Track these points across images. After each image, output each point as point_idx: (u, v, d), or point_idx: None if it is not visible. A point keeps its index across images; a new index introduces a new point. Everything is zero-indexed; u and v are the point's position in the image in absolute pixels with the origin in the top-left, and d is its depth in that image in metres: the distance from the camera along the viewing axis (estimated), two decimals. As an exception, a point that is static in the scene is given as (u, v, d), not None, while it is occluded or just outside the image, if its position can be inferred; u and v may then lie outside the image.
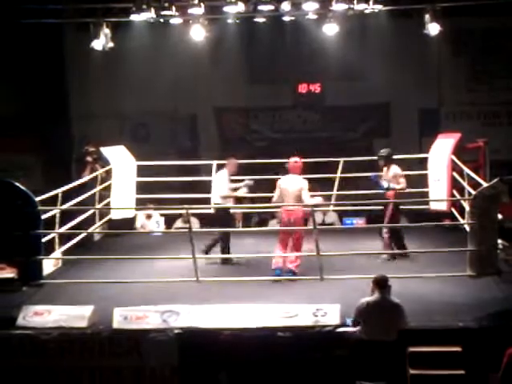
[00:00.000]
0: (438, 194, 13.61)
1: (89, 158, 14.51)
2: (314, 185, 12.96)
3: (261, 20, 14.70)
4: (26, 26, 15.02)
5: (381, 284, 8.79)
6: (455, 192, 13.40)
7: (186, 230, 11.27)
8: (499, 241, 10.47)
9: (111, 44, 14.59)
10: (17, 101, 17.68)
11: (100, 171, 14.12)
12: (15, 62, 17.23)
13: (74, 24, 16.02)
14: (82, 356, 9.18)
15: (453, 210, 13.40)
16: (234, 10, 13.96)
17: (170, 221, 15.23)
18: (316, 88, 18.12)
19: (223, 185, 12.46)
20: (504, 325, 8.83)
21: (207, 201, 13.96)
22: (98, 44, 14.52)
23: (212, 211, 12.79)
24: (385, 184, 12.01)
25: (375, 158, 13.12)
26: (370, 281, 8.93)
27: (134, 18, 14.17)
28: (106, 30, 14.53)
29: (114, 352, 9.16)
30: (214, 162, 14.35)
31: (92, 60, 15.61)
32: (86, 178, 13.93)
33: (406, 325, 8.79)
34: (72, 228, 12.52)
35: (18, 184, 10.48)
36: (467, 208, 11.48)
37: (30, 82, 17.41)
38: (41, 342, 9.21)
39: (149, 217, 15.20)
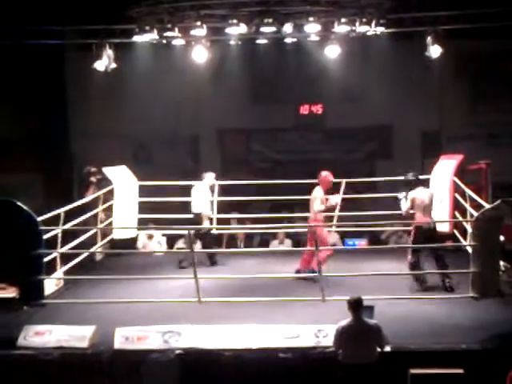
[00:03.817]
0: (441, 216, 13.59)
1: (92, 179, 14.53)
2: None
3: (263, 41, 14.76)
4: (28, 47, 15.06)
5: (354, 306, 8.72)
6: (457, 214, 13.39)
7: (188, 251, 11.27)
8: (501, 263, 10.46)
9: (114, 65, 14.63)
10: (18, 121, 17.72)
11: (102, 191, 14.13)
12: (16, 82, 17.29)
13: (76, 45, 16.07)
14: (82, 376, 9.14)
15: (455, 231, 13.39)
16: (236, 31, 13.97)
17: (171, 241, 15.22)
18: (318, 109, 18.16)
19: (205, 196, 13.43)
20: (506, 347, 8.79)
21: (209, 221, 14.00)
22: (100, 65, 14.55)
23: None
24: (403, 207, 11.78)
25: (376, 179, 13.15)
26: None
27: (136, 39, 14.21)
28: (109, 51, 14.56)
29: (114, 373, 9.12)
30: (216, 183, 14.35)
31: (94, 80, 15.62)
32: (88, 198, 13.93)
33: (385, 346, 8.71)
34: (74, 248, 12.51)
35: (20, 203, 10.48)
36: (469, 230, 11.49)
37: (32, 103, 17.46)
38: (41, 363, 9.18)
39: (150, 237, 15.19)
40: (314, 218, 12.12)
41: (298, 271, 12.18)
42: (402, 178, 12.20)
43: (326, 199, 12.16)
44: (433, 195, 11.75)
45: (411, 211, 11.64)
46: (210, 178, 13.78)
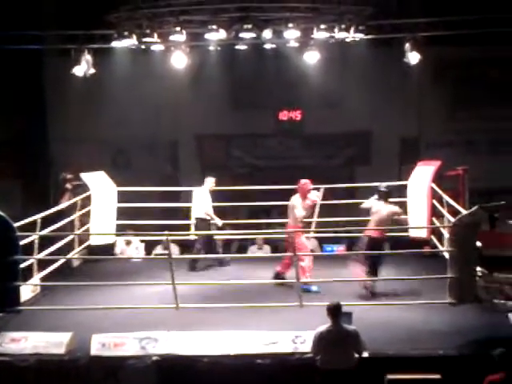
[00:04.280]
0: (418, 222, 13.64)
1: (67, 185, 14.47)
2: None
3: (242, 47, 14.77)
4: (6, 51, 14.99)
5: (333, 312, 8.74)
6: (435, 220, 13.43)
7: (166, 257, 11.24)
8: (478, 268, 10.50)
9: (93, 70, 14.59)
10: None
11: (79, 197, 14.07)
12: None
13: (55, 50, 16.01)
14: (59, 383, 9.08)
15: (432, 237, 13.43)
16: (215, 37, 13.98)
17: (149, 247, 15.17)
18: (297, 115, 18.18)
19: (206, 201, 13.50)
20: (483, 353, 8.80)
21: (187, 227, 13.95)
22: (79, 70, 14.52)
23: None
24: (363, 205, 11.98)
25: (355, 185, 13.19)
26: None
27: (115, 44, 14.19)
28: (88, 57, 14.54)
29: (91, 379, 9.08)
30: (195, 189, 14.33)
31: (73, 86, 15.57)
32: (64, 205, 13.86)
33: (363, 351, 8.73)
34: (51, 254, 12.44)
35: (-4, 209, 10.41)
36: (447, 235, 11.53)
37: (10, 108, 17.36)
38: (18, 369, 9.11)
39: (128, 243, 15.14)
40: (293, 225, 12.15)
41: (277, 274, 12.19)
42: (376, 185, 12.27)
43: (306, 204, 12.19)
44: (393, 211, 11.81)
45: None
46: (210, 182, 13.91)
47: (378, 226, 11.64)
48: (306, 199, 12.18)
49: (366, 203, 11.92)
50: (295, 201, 12.16)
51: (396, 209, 11.92)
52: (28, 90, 17.50)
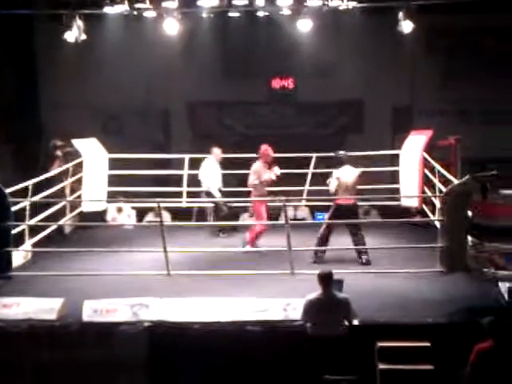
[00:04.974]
0: (409, 191, 13.68)
1: (57, 152, 14.42)
2: (287, 180, 13.05)
3: (235, 14, 14.68)
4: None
5: (324, 280, 8.80)
6: (426, 189, 13.46)
7: (157, 224, 11.26)
8: (469, 238, 10.54)
9: (84, 36, 14.47)
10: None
11: (70, 164, 14.03)
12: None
13: (46, 15, 15.88)
14: (51, 348, 9.12)
15: (424, 206, 13.47)
16: (208, 3, 13.91)
17: (141, 214, 15.17)
18: (289, 83, 18.11)
19: (214, 171, 13.88)
20: (473, 321, 8.86)
21: (178, 194, 13.95)
22: (70, 36, 14.40)
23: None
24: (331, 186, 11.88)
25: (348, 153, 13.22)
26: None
27: (107, 10, 14.08)
28: (79, 22, 14.40)
29: (83, 345, 9.11)
30: (186, 156, 14.32)
31: (64, 51, 15.45)
32: (55, 171, 13.82)
33: (354, 319, 8.80)
34: (42, 220, 12.43)
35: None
36: (438, 205, 11.57)
37: (0, 72, 17.24)
38: (9, 335, 9.13)
39: (120, 210, 15.13)
40: (253, 191, 12.41)
41: (244, 243, 12.44)
42: (333, 154, 12.35)
43: (269, 171, 12.36)
44: (357, 175, 11.81)
45: None
46: (217, 152, 14.02)
47: (346, 192, 11.66)
48: (266, 164, 12.34)
49: (334, 181, 11.79)
50: (255, 167, 12.38)
51: (358, 171, 11.94)
52: (19, 56, 17.38)
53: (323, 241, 11.68)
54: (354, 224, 11.64)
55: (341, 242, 11.88)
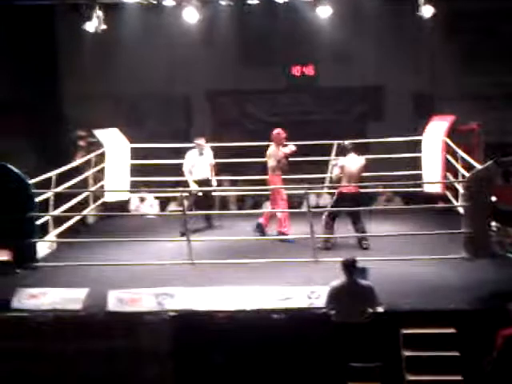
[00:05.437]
0: (432, 177, 13.63)
1: (81, 143, 14.48)
2: (309, 167, 13.04)
3: (254, 2, 14.65)
4: (18, 7, 14.92)
5: (348, 267, 8.83)
6: (449, 174, 13.41)
7: (180, 213, 11.29)
8: (493, 223, 10.49)
9: (104, 26, 14.51)
10: (9, 83, 17.57)
11: (93, 154, 14.09)
12: (7, 43, 17.13)
13: (66, 6, 15.89)
14: (76, 338, 9.19)
15: (447, 192, 13.42)
16: (227, -9, 13.91)
17: (163, 203, 15.22)
18: (310, 70, 18.05)
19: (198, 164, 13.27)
20: (498, 307, 8.84)
21: (200, 183, 13.96)
22: (90, 26, 14.44)
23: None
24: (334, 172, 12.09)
25: (370, 140, 13.20)
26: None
27: (126, -1, 14.12)
28: (99, 12, 14.44)
29: (108, 334, 9.18)
30: (208, 145, 14.29)
31: (84, 42, 15.52)
32: (78, 162, 13.90)
33: (378, 307, 8.82)
34: (66, 211, 12.50)
35: (11, 166, 10.45)
36: (461, 190, 11.52)
37: (22, 64, 17.30)
38: (36, 325, 9.23)
39: (143, 200, 15.19)
40: (271, 175, 12.44)
41: (259, 225, 12.53)
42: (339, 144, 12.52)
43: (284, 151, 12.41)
44: (362, 164, 11.86)
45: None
46: (199, 142, 13.51)
47: (350, 181, 11.71)
48: (280, 147, 12.36)
49: (337, 168, 11.89)
50: (270, 150, 12.43)
51: (363, 160, 11.98)
52: (40, 48, 17.41)
53: (328, 228, 11.69)
54: (355, 212, 11.66)
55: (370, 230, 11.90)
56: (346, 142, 12.08)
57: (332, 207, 11.79)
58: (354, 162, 11.81)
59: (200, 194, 12.95)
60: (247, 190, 14.86)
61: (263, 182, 12.97)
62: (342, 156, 12.02)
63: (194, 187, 12.92)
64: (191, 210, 12.64)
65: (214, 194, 13.90)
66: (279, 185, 12.41)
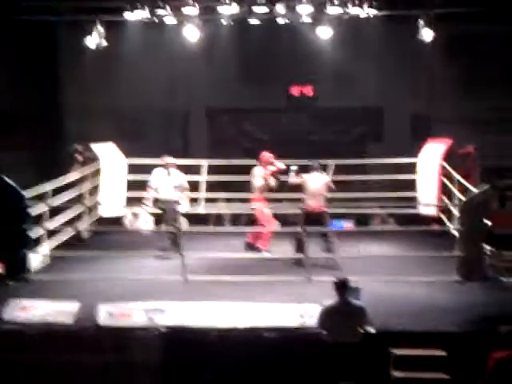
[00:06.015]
0: (428, 199, 13.64)
1: (78, 157, 14.49)
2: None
3: (255, 22, 14.72)
4: (19, 22, 14.99)
5: (340, 287, 8.82)
6: (444, 197, 13.42)
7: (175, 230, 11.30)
8: (487, 247, 10.50)
9: (105, 43, 14.58)
10: (8, 97, 17.60)
11: (89, 169, 14.09)
12: (7, 58, 17.17)
13: (68, 22, 15.98)
14: (66, 352, 9.16)
15: (441, 215, 13.43)
16: (228, 11, 13.97)
17: (158, 219, 15.17)
18: (309, 91, 18.08)
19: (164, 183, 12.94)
20: (490, 330, 8.82)
21: (196, 200, 13.98)
22: (91, 42, 14.51)
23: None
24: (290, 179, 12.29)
25: (365, 161, 13.20)
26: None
27: (127, 16, 14.18)
28: (100, 29, 14.53)
29: (98, 348, 9.15)
30: (205, 162, 14.33)
31: (85, 57, 15.57)
32: (75, 176, 13.89)
33: (369, 327, 8.76)
34: (61, 225, 12.49)
35: (7, 179, 10.47)
36: (456, 213, 11.53)
37: (22, 79, 17.34)
38: (27, 337, 9.19)
39: (137, 215, 15.13)
40: (256, 196, 12.57)
41: (248, 244, 12.66)
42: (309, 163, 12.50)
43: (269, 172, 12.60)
44: (325, 182, 12.10)
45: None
46: (168, 161, 13.10)
47: (312, 199, 11.89)
48: (267, 169, 12.53)
49: (295, 178, 12.18)
50: (256, 171, 12.62)
51: (327, 179, 12.26)
52: (41, 62, 17.46)
53: (299, 247, 11.72)
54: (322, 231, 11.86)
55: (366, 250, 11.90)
56: (315, 161, 12.32)
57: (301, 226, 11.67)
58: (316, 180, 12.02)
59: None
60: (242, 208, 14.82)
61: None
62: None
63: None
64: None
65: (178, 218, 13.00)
66: (262, 204, 12.52)
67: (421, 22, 14.27)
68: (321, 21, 14.53)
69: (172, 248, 12.27)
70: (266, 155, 12.69)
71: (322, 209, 11.95)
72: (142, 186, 14.38)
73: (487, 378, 8.06)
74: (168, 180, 12.95)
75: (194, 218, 14.36)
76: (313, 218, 11.66)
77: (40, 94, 17.43)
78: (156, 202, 12.88)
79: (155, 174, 13.03)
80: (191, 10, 13.99)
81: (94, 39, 14.49)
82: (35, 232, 11.49)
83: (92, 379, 9.16)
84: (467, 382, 8.54)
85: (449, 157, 13.62)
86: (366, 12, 13.90)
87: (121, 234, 14.34)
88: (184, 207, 12.86)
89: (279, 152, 12.94)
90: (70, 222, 12.90)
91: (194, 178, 14.61)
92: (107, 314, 9.30)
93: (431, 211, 13.52)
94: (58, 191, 12.63)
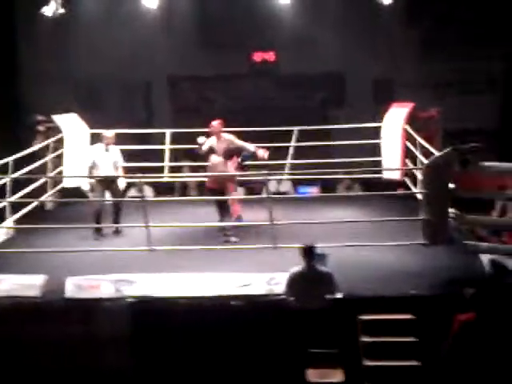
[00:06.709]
0: (391, 163, 13.69)
1: (39, 127, 14.30)
2: (269, 154, 12.99)
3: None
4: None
5: (306, 253, 8.86)
6: (408, 161, 13.48)
7: (140, 199, 11.22)
8: (451, 210, 10.56)
9: (62, 10, 14.37)
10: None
11: (52, 139, 13.94)
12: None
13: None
14: (34, 325, 9.12)
15: (406, 179, 13.50)
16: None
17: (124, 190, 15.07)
18: (271, 56, 18.02)
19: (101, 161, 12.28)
20: (455, 293, 8.91)
21: (160, 169, 13.89)
22: (48, 10, 14.29)
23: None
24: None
25: (329, 126, 13.17)
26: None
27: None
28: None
29: (66, 321, 9.12)
30: (168, 131, 14.23)
31: (42, 25, 15.34)
32: (37, 147, 13.74)
33: (337, 293, 8.85)
34: (24, 197, 12.37)
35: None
36: (420, 177, 11.59)
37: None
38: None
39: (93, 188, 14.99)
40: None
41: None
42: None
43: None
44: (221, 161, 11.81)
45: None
46: (107, 135, 12.38)
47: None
48: (220, 139, 11.98)
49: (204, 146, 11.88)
50: (210, 142, 11.98)
51: (231, 137, 11.94)
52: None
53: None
54: (222, 206, 11.73)
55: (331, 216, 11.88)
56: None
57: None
58: (215, 160, 11.78)
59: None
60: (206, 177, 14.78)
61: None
62: None
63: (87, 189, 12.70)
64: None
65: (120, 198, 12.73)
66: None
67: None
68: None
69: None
70: (215, 124, 12.10)
71: (222, 186, 11.81)
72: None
73: (451, 341, 8.17)
74: (106, 158, 12.27)
75: (159, 188, 14.34)
76: (215, 194, 11.69)
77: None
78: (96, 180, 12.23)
79: (92, 153, 12.35)
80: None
81: (51, 7, 14.26)
82: (-2, 205, 11.37)
83: (60, 352, 9.13)
84: (434, 345, 8.63)
85: (412, 120, 13.64)
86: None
87: (85, 205, 14.22)
88: (120, 184, 12.41)
89: (242, 119, 12.85)
90: (33, 194, 12.73)
91: (158, 147, 14.52)
92: (74, 287, 9.26)
93: (395, 176, 13.58)
94: (20, 162, 12.46)
